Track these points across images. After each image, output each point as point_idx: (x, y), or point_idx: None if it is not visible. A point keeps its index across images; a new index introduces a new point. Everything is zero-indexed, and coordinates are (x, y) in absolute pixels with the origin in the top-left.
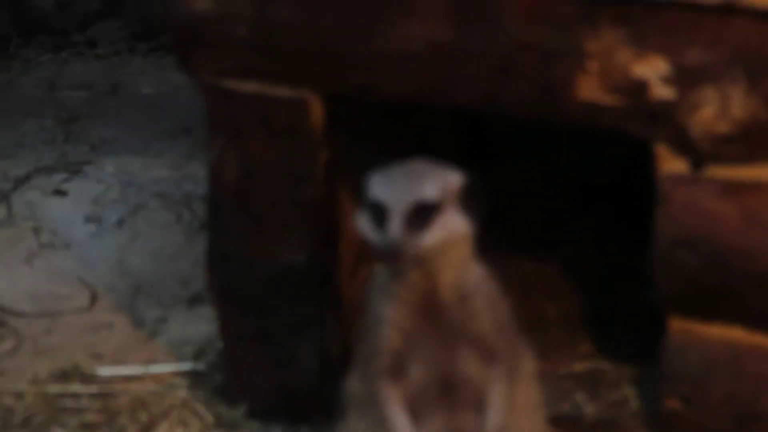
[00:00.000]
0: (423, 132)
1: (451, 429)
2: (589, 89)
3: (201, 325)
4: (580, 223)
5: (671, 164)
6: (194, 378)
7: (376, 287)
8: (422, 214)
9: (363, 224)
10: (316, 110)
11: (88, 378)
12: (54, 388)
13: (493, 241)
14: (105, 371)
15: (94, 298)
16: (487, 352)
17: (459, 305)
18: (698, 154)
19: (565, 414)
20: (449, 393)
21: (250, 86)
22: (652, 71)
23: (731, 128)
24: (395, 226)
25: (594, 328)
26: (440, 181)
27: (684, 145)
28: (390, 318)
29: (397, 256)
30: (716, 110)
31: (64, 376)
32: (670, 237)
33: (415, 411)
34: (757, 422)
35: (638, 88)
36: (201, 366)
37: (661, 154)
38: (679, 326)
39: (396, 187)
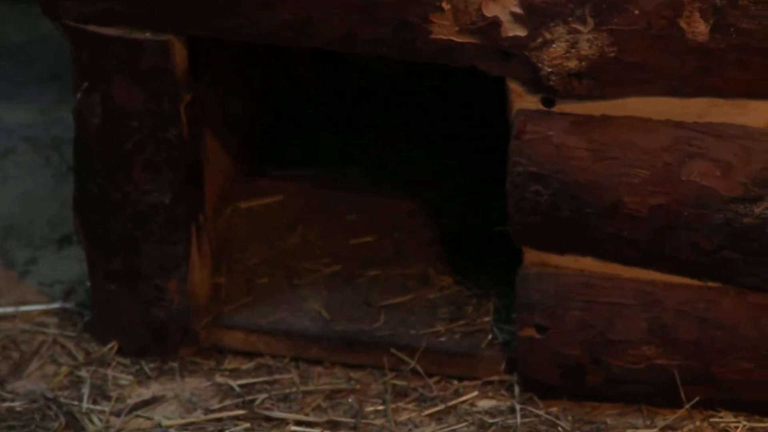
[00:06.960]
0: (289, 74)
1: None
2: (444, 28)
3: (70, 265)
4: (439, 160)
5: (524, 101)
6: (64, 317)
7: None
8: None
9: None
10: (179, 53)
11: None
12: None
13: (351, 178)
14: None
15: None
16: None
17: None
18: (549, 91)
19: (424, 344)
20: None
21: (113, 31)
22: (504, 10)
23: (580, 64)
24: None
25: (451, 259)
26: None
27: (536, 82)
28: None
29: None
30: (565, 47)
31: None
32: (523, 172)
33: None
34: (609, 348)
35: (491, 27)
36: (71, 305)
37: (514, 91)
38: (533, 258)
39: None
